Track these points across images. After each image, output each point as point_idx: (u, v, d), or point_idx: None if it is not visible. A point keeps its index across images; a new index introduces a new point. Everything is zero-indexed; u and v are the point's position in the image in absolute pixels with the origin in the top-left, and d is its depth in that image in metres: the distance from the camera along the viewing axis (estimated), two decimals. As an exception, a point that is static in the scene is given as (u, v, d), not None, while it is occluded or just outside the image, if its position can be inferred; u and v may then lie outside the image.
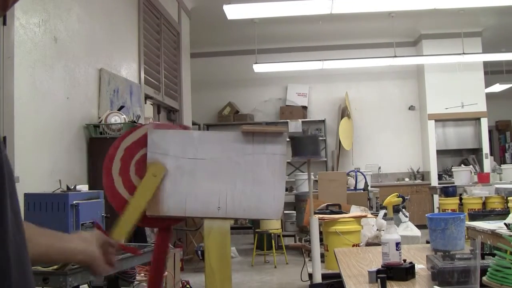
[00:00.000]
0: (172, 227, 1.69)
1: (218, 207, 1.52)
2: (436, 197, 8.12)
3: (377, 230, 3.43)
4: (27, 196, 2.62)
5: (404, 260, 1.78)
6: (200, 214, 1.55)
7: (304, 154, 1.59)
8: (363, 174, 5.68)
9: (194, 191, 1.52)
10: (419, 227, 4.04)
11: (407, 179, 10.27)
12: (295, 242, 7.17)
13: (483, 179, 7.87)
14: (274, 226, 6.68)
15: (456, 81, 9.66)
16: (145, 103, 5.85)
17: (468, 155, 10.26)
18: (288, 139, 1.70)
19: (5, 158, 0.70)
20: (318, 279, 2.76)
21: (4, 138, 3.04)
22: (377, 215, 3.76)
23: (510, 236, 2.23)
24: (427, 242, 2.58)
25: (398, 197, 3.79)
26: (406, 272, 1.70)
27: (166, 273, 4.03)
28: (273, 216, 1.56)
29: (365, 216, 3.35)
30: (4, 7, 0.73)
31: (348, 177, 5.54)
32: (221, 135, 1.57)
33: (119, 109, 4.46)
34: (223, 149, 1.54)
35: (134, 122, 4.36)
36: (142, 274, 3.89)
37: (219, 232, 1.52)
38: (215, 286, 1.51)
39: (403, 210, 3.89)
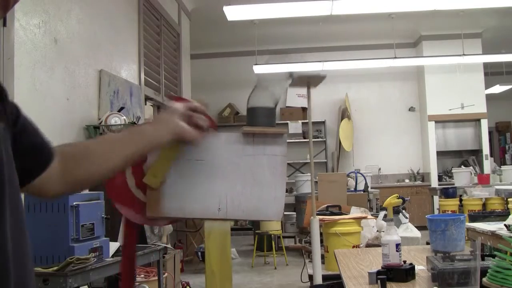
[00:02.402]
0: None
1: (218, 208, 1.52)
2: (436, 198, 8.12)
3: (377, 231, 3.42)
4: (27, 197, 2.62)
5: (404, 261, 1.78)
6: (200, 215, 1.55)
7: (258, 124, 1.59)
8: (363, 175, 5.68)
9: (194, 192, 1.52)
10: (419, 228, 4.04)
11: (407, 180, 10.27)
12: (295, 243, 7.16)
13: (483, 180, 7.88)
14: (274, 227, 6.68)
15: (456, 82, 9.67)
16: (145, 104, 5.85)
17: (468, 156, 10.26)
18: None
19: (6, 158, 0.70)
20: (318, 280, 2.75)
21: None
22: (377, 216, 3.76)
23: (510, 237, 2.23)
24: (427, 243, 2.58)
25: (398, 198, 3.79)
26: (406, 273, 1.70)
27: (164, 274, 4.02)
28: (274, 218, 1.56)
29: (365, 217, 3.34)
30: (5, 8, 0.73)
31: (348, 178, 5.54)
32: (221, 136, 1.57)
33: (119, 110, 4.46)
34: (223, 150, 1.53)
35: (134, 123, 4.36)
36: (142, 275, 3.89)
37: (219, 233, 1.52)
38: (216, 287, 1.51)
39: (403, 211, 3.89)
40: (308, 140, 10.65)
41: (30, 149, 0.89)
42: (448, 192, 7.03)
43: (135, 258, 1.54)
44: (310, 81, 2.91)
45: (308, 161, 9.88)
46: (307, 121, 10.48)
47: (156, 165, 1.48)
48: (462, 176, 7.96)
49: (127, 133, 1.15)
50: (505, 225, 2.88)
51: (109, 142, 1.10)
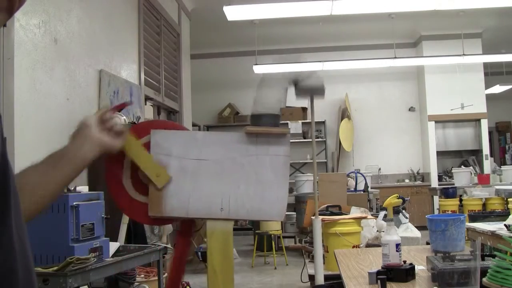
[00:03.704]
0: (192, 232, 1.66)
1: (221, 208, 1.52)
2: (436, 198, 8.12)
3: (377, 231, 3.42)
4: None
5: (404, 261, 1.78)
6: (203, 215, 1.55)
7: (262, 124, 1.58)
8: (363, 175, 5.68)
9: (197, 192, 1.52)
10: (419, 228, 4.04)
11: (407, 180, 10.27)
12: (295, 243, 7.16)
13: (483, 180, 7.88)
14: (274, 227, 6.68)
15: (456, 82, 9.66)
16: (145, 104, 5.85)
17: (468, 156, 10.26)
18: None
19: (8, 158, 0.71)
20: (320, 280, 2.75)
21: (4, 139, 3.03)
22: (377, 216, 3.76)
23: (510, 237, 2.23)
24: (427, 243, 2.58)
25: (398, 198, 3.79)
26: (406, 273, 1.70)
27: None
28: (276, 217, 1.56)
29: (365, 217, 3.35)
30: (10, 11, 0.74)
31: (348, 178, 5.54)
32: (225, 136, 1.57)
33: (119, 111, 4.45)
34: (227, 150, 1.53)
35: (134, 123, 4.36)
36: (142, 275, 3.88)
37: (222, 233, 1.52)
38: (218, 287, 1.51)
39: (403, 211, 3.89)
40: (308, 140, 10.59)
41: None
42: (448, 192, 7.03)
43: (184, 268, 1.55)
44: (313, 91, 2.89)
45: (308, 161, 9.90)
46: (307, 121, 10.47)
47: (146, 167, 1.48)
48: (462, 176, 7.97)
49: (51, 159, 1.08)
50: (505, 225, 2.89)
51: (37, 175, 1.03)
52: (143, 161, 1.49)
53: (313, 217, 2.99)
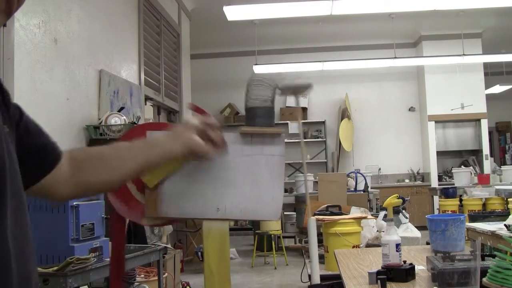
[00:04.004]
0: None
1: (217, 208, 1.52)
2: (436, 198, 8.12)
3: (377, 231, 3.42)
4: (27, 197, 2.61)
5: (404, 261, 1.78)
6: (199, 215, 1.55)
7: (257, 124, 1.59)
8: (363, 175, 5.68)
9: (193, 192, 1.52)
10: (419, 228, 4.03)
11: (407, 180, 10.27)
12: (295, 243, 7.16)
13: (483, 180, 7.87)
14: (274, 227, 6.67)
15: (456, 82, 9.66)
16: (145, 104, 5.85)
17: (468, 156, 10.26)
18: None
19: (8, 162, 0.71)
20: (316, 280, 2.75)
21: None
22: (377, 216, 3.76)
23: (510, 237, 2.23)
24: (427, 244, 2.58)
25: (398, 198, 3.78)
26: (406, 273, 1.70)
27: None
28: (272, 217, 1.56)
29: (365, 217, 3.34)
30: (8, 12, 0.75)
31: (348, 178, 5.54)
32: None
33: (119, 110, 4.46)
34: (222, 150, 1.53)
35: (134, 123, 4.36)
36: (142, 275, 3.89)
37: (218, 233, 1.52)
38: (215, 287, 1.51)
39: (403, 211, 3.88)
40: (308, 140, 10.57)
41: (34, 151, 0.90)
42: (448, 192, 7.02)
43: (123, 255, 1.55)
44: (296, 90, 2.93)
45: (308, 161, 9.89)
46: (307, 121, 10.43)
47: (157, 168, 1.48)
48: (462, 176, 7.96)
49: (141, 142, 1.16)
50: (505, 225, 2.88)
51: (123, 150, 1.11)
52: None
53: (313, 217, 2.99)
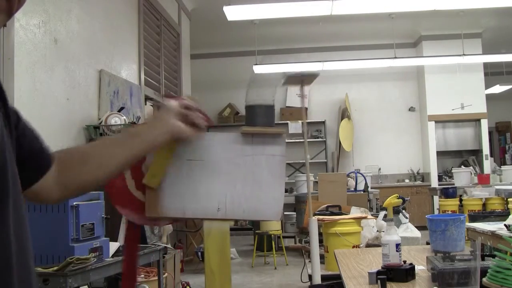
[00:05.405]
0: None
1: (218, 208, 1.52)
2: (436, 198, 8.12)
3: (377, 231, 3.42)
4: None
5: (404, 261, 1.78)
6: (199, 215, 1.55)
7: (257, 124, 1.59)
8: (363, 175, 5.68)
9: (193, 192, 1.52)
10: (419, 228, 4.03)
11: (407, 180, 10.26)
12: (295, 243, 7.17)
13: (483, 180, 7.87)
14: (274, 227, 6.67)
15: (456, 82, 9.66)
16: (145, 104, 5.85)
17: (468, 156, 10.26)
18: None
19: (10, 161, 0.71)
20: (317, 280, 2.75)
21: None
22: (377, 216, 3.76)
23: (510, 237, 2.23)
24: (427, 243, 2.58)
25: (398, 198, 3.78)
26: (406, 273, 1.70)
27: (166, 274, 4.03)
28: (273, 218, 1.56)
29: (365, 217, 3.34)
30: (9, 12, 0.75)
31: (348, 178, 5.54)
32: (220, 136, 1.57)
33: (119, 110, 4.46)
34: (222, 150, 1.53)
35: (134, 123, 4.36)
36: (142, 275, 3.89)
37: (219, 233, 1.52)
38: (215, 287, 1.51)
39: (403, 211, 3.88)
40: (308, 140, 10.64)
41: (29, 155, 0.90)
42: (448, 192, 7.02)
43: (137, 259, 1.55)
44: (303, 79, 2.92)
45: (308, 161, 9.86)
46: (307, 121, 10.47)
47: (154, 165, 1.48)
48: (462, 176, 7.96)
49: (124, 135, 1.17)
50: (505, 225, 2.88)
51: (107, 146, 1.11)
52: (158, 156, 1.47)
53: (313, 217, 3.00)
